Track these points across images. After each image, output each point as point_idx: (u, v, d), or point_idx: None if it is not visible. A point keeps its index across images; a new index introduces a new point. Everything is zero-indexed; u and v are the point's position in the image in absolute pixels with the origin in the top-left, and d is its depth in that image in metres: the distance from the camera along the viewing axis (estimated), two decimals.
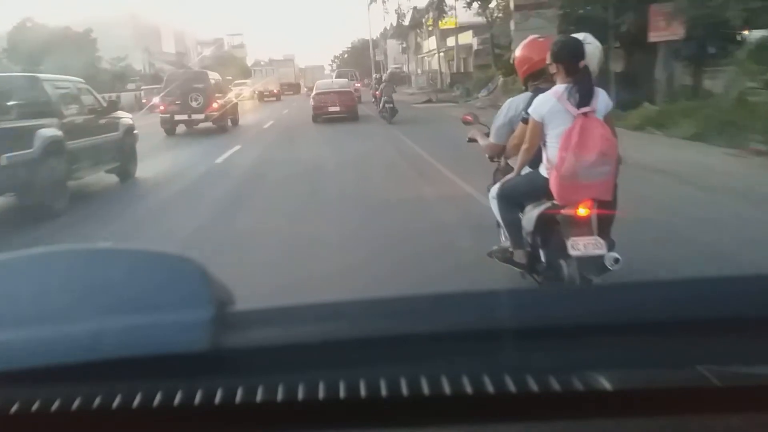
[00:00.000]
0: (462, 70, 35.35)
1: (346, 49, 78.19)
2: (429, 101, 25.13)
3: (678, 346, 0.64)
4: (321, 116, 17.42)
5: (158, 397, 0.63)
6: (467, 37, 34.41)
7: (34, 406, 0.63)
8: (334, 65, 74.28)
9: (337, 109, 17.40)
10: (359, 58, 58.33)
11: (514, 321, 0.63)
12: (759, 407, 0.62)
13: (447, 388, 0.63)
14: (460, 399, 0.62)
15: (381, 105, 17.08)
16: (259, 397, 0.63)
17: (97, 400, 0.63)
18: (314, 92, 18.01)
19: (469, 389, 0.62)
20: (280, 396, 0.63)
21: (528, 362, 0.64)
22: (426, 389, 0.63)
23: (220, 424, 0.64)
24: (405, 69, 51.17)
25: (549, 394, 0.62)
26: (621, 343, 0.64)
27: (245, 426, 0.64)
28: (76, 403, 0.63)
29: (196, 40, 65.27)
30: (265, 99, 39.10)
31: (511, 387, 0.63)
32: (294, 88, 43.52)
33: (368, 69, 44.65)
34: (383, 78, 20.45)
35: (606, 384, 0.62)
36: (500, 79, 21.63)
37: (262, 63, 47.84)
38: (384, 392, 0.63)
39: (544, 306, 0.66)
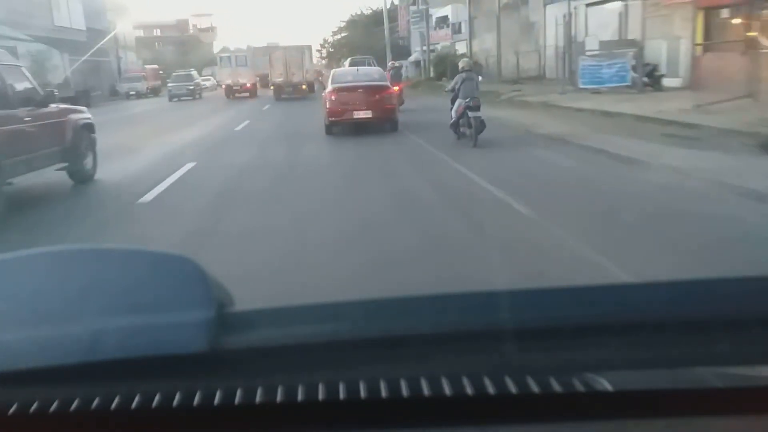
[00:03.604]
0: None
1: (340, 26, 52.12)
2: None
3: (679, 347, 0.64)
4: (340, 124, 11.80)
5: (157, 398, 0.64)
6: None
7: (33, 407, 0.64)
8: (324, 51, 56.36)
9: (367, 114, 11.61)
10: (367, 40, 40.68)
11: (514, 321, 0.63)
12: (760, 409, 0.63)
13: (447, 389, 0.64)
14: (460, 400, 0.63)
15: (458, 113, 9.52)
16: (258, 399, 0.64)
17: (96, 401, 0.64)
18: (331, 87, 12.16)
19: (469, 390, 0.64)
20: (279, 397, 0.64)
21: (528, 363, 0.65)
22: (426, 390, 0.64)
23: (220, 426, 0.65)
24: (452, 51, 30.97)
25: (550, 396, 0.63)
26: (622, 344, 0.64)
27: (244, 427, 0.65)
28: (74, 405, 0.64)
29: (151, 21, 47.60)
30: (236, 95, 30.55)
31: (512, 388, 0.64)
32: None
33: (377, 54, 30.73)
34: (463, 69, 9.99)
35: (607, 385, 0.64)
36: None
37: (231, 49, 35.03)
38: (384, 393, 0.64)
39: (544, 306, 0.66)
